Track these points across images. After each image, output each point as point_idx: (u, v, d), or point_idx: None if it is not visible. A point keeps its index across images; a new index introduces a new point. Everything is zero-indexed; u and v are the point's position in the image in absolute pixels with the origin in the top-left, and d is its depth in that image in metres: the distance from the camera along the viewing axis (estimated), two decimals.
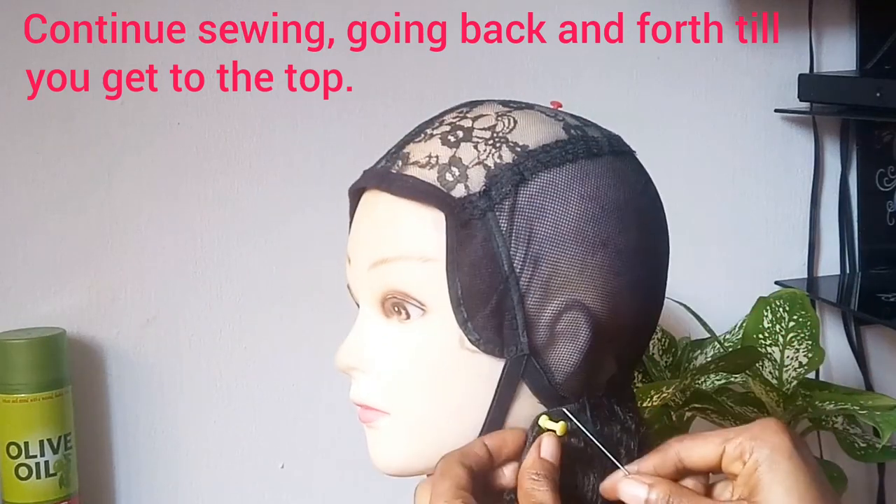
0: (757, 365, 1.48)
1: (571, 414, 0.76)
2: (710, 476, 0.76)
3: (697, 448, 0.74)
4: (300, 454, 1.70)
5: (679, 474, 0.75)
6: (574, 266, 0.74)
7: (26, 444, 1.49)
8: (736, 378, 1.49)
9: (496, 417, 0.76)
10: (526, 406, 0.76)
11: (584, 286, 0.75)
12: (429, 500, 0.71)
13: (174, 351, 1.64)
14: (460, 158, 0.76)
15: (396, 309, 0.78)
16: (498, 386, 0.75)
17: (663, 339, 1.59)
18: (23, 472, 1.50)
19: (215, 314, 1.65)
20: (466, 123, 0.78)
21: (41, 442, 1.50)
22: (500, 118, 0.78)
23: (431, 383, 0.77)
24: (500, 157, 0.75)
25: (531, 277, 0.74)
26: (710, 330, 1.57)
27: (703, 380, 1.49)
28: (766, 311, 1.52)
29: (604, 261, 0.75)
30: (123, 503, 1.65)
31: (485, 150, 0.76)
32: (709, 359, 1.54)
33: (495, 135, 0.76)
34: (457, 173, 0.75)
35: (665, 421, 1.50)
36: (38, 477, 1.50)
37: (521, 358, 0.75)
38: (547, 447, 0.74)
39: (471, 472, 0.73)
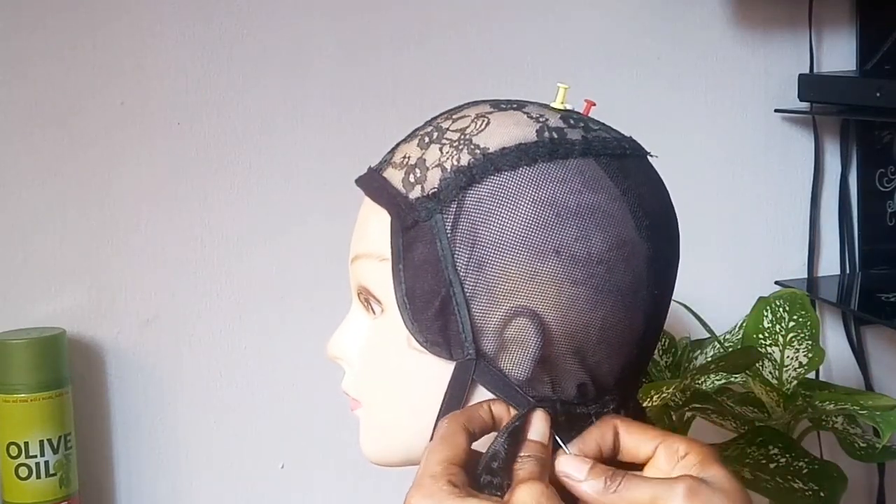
0: (757, 365, 1.48)
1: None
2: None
3: (634, 438, 0.74)
4: (300, 454, 1.70)
5: (614, 453, 0.74)
6: (523, 272, 0.73)
7: (26, 444, 1.49)
8: (736, 378, 1.49)
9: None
10: None
11: (534, 294, 0.73)
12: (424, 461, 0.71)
13: (174, 351, 1.64)
14: (425, 160, 0.76)
15: (367, 304, 0.79)
16: (447, 389, 0.75)
17: (663, 340, 1.59)
18: (23, 472, 1.50)
19: (215, 314, 1.65)
20: (446, 124, 0.78)
21: (41, 442, 1.50)
22: (476, 119, 0.77)
23: (388, 380, 0.79)
24: (458, 159, 0.75)
25: (476, 282, 0.73)
26: (710, 330, 1.57)
27: (703, 380, 1.49)
28: (766, 311, 1.52)
29: (556, 268, 0.72)
30: (123, 503, 1.65)
31: (447, 153, 0.76)
32: (709, 359, 1.54)
33: (463, 136, 0.76)
34: (418, 175, 0.76)
35: (665, 421, 1.50)
36: (38, 477, 1.50)
37: (469, 362, 0.74)
38: (535, 428, 0.73)
39: (471, 437, 0.72)
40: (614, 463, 0.75)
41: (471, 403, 0.75)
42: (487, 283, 0.73)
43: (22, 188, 1.57)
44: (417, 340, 0.75)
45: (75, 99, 1.57)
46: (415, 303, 0.75)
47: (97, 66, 1.57)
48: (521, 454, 0.72)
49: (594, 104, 0.80)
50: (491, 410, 0.74)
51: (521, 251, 0.73)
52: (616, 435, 0.74)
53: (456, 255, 0.74)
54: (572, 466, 0.72)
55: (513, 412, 0.74)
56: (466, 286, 0.73)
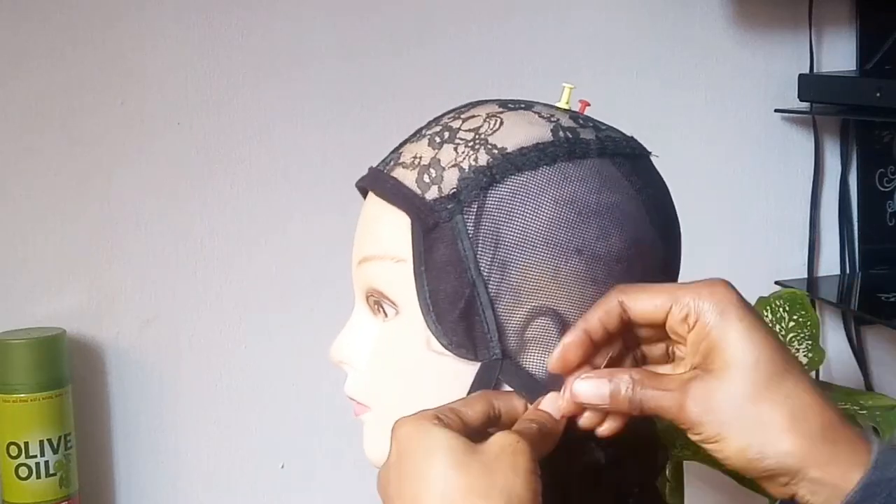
0: None
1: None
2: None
3: (642, 301, 0.70)
4: (300, 454, 1.69)
5: (624, 326, 0.71)
6: (545, 272, 0.73)
7: (26, 444, 1.49)
8: None
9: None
10: None
11: (557, 293, 0.73)
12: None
13: (174, 351, 1.64)
14: (439, 160, 0.76)
15: (377, 307, 0.78)
16: (470, 389, 0.74)
17: None
18: (23, 472, 1.50)
19: (215, 314, 1.65)
20: (456, 124, 0.77)
21: (41, 442, 1.50)
22: (488, 119, 0.77)
23: (402, 382, 0.78)
24: (476, 159, 0.75)
25: (500, 282, 0.73)
26: None
27: None
28: (766, 311, 1.52)
29: (579, 267, 0.73)
30: (123, 503, 1.65)
31: (463, 152, 0.75)
32: None
33: (477, 136, 0.76)
34: (433, 175, 0.75)
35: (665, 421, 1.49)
36: (38, 477, 1.50)
37: (495, 362, 0.74)
38: (548, 400, 0.72)
39: (492, 411, 0.71)
40: (628, 336, 0.72)
41: None
42: (511, 282, 0.73)
43: (22, 188, 1.57)
44: (442, 343, 0.74)
45: (75, 99, 1.57)
46: (438, 305, 0.74)
47: (97, 66, 1.57)
48: (524, 416, 0.71)
49: (588, 104, 0.80)
50: (526, 402, 0.73)
51: (544, 250, 0.73)
52: (623, 307, 0.71)
53: (479, 256, 0.73)
54: (591, 386, 0.70)
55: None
56: (490, 286, 0.73)
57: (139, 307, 1.62)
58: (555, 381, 0.74)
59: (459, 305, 0.73)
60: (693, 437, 0.69)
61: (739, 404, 0.67)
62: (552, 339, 0.73)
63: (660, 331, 0.71)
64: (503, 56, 1.70)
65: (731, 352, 0.68)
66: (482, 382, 0.74)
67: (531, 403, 0.74)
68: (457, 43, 1.68)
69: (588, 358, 0.71)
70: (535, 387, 0.74)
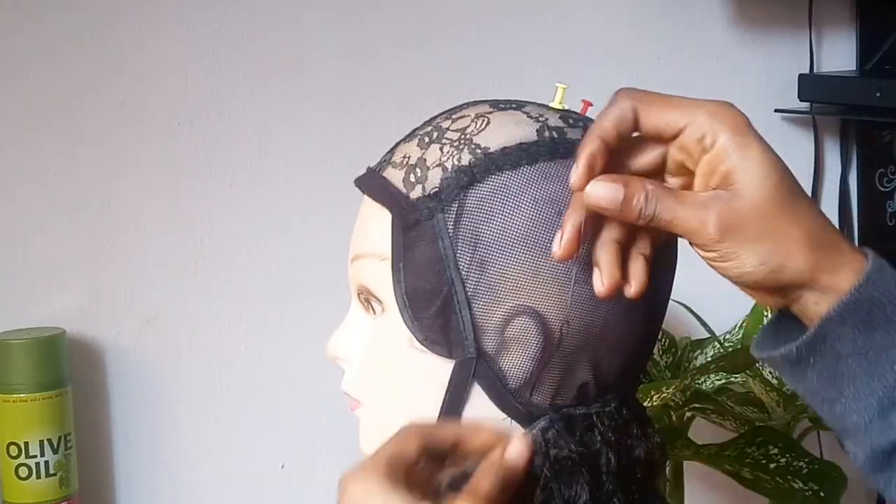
0: (757, 365, 1.48)
1: (540, 421, 0.74)
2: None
3: (655, 113, 0.68)
4: (300, 454, 1.70)
5: (629, 134, 0.69)
6: (524, 272, 0.73)
7: (26, 444, 1.49)
8: (736, 378, 1.49)
9: (448, 419, 0.76)
10: (483, 409, 0.75)
11: (536, 293, 0.73)
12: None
13: (174, 351, 1.64)
14: (425, 160, 0.76)
15: (367, 304, 0.79)
16: (447, 388, 0.75)
17: (663, 339, 1.59)
18: (23, 472, 1.50)
19: (215, 314, 1.65)
20: (446, 124, 0.78)
21: (41, 442, 1.50)
22: (476, 119, 0.77)
23: (388, 380, 0.79)
24: (459, 158, 0.75)
25: (478, 281, 0.74)
26: (710, 330, 1.57)
27: (703, 380, 1.49)
28: (767, 310, 1.53)
29: (559, 268, 0.73)
30: (123, 503, 1.65)
31: (448, 152, 0.76)
32: (709, 359, 1.55)
33: (463, 136, 0.76)
34: (419, 174, 0.76)
35: (665, 421, 1.50)
36: (38, 477, 1.50)
37: (469, 361, 0.74)
38: (513, 448, 0.71)
39: (422, 450, 0.71)
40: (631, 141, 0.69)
41: (471, 403, 0.75)
42: (489, 282, 0.73)
43: (22, 188, 1.57)
44: (417, 339, 0.75)
45: (75, 99, 1.57)
46: (415, 302, 0.75)
47: (97, 66, 1.57)
48: (485, 469, 0.70)
49: (591, 104, 0.80)
50: (457, 430, 0.72)
51: (523, 250, 0.73)
52: (636, 115, 0.69)
53: (458, 255, 0.74)
54: (605, 189, 0.67)
55: (483, 435, 0.72)
56: (468, 285, 0.74)
57: (139, 307, 1.62)
58: (530, 386, 0.74)
59: (436, 303, 0.74)
60: (707, 255, 0.70)
61: (762, 221, 0.69)
62: (531, 338, 0.73)
63: (660, 141, 0.70)
64: (503, 56, 1.70)
65: (754, 174, 0.70)
66: (458, 381, 0.75)
67: (503, 412, 0.74)
68: (457, 43, 1.68)
69: (607, 166, 0.68)
70: (504, 396, 0.74)
